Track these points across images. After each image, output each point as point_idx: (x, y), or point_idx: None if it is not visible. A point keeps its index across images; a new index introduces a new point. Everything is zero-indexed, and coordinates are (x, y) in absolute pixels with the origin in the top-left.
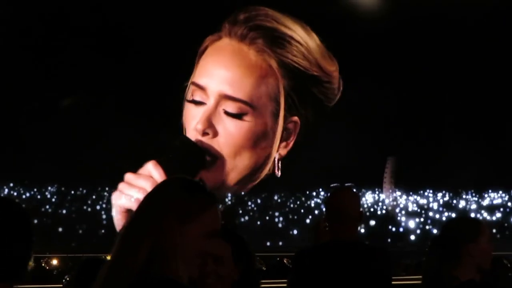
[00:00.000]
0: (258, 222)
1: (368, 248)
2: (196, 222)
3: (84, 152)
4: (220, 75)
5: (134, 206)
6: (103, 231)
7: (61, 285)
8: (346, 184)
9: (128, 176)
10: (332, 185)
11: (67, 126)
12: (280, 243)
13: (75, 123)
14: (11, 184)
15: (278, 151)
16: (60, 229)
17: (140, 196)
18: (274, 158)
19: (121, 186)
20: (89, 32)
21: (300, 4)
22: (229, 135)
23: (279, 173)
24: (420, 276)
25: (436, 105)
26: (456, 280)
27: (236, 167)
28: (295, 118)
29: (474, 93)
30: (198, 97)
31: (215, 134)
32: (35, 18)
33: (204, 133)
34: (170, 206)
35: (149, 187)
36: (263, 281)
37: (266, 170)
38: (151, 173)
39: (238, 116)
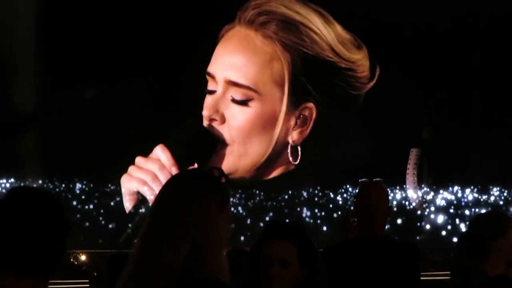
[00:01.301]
0: (287, 220)
1: (397, 244)
2: (225, 212)
3: (110, 148)
4: (226, 61)
5: (141, 189)
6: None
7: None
8: (375, 179)
9: (138, 160)
10: (360, 180)
11: (92, 122)
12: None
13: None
14: (39, 181)
15: (292, 137)
16: (87, 224)
17: (148, 178)
18: (289, 144)
19: (130, 169)
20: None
21: None
22: (236, 122)
23: (297, 161)
24: (448, 272)
25: (462, 97)
26: (485, 275)
27: (247, 153)
28: (310, 104)
29: (501, 85)
30: (210, 86)
31: (223, 120)
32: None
33: (211, 119)
34: (205, 199)
35: (156, 170)
36: None
37: (284, 156)
38: (159, 156)
39: (244, 102)
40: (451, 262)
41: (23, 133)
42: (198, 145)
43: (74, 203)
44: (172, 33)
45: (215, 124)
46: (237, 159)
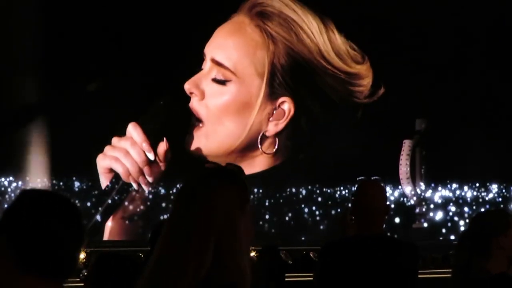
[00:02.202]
0: (287, 218)
1: (395, 242)
2: (246, 212)
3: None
4: (216, 42)
5: (114, 165)
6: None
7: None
8: (373, 177)
9: (113, 140)
10: (358, 178)
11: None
12: (303, 238)
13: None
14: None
15: (266, 127)
16: (84, 222)
17: (120, 155)
18: (263, 133)
19: (105, 149)
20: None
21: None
22: (213, 101)
23: (273, 151)
24: (448, 270)
25: (460, 93)
26: (487, 273)
27: (218, 132)
28: (288, 98)
29: (498, 81)
30: (203, 64)
31: (202, 96)
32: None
33: (191, 93)
34: (225, 199)
35: (128, 146)
36: (289, 274)
37: (256, 145)
38: (131, 134)
39: (222, 82)
40: (452, 260)
41: (20, 130)
42: (170, 120)
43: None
44: (172, 24)
45: (195, 100)
46: (206, 139)
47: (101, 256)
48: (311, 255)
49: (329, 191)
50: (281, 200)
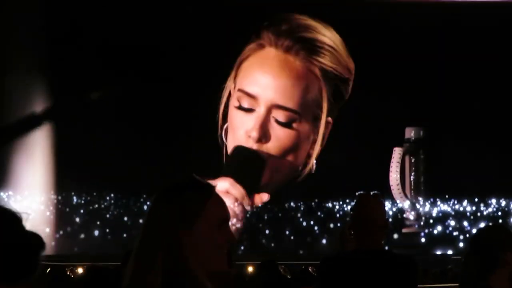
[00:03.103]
0: (287, 232)
1: (395, 257)
2: (198, 228)
3: (106, 159)
4: (271, 85)
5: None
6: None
7: None
8: (372, 192)
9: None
10: (357, 192)
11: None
12: (301, 252)
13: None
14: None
15: (315, 151)
16: (82, 236)
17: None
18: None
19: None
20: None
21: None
22: (278, 141)
23: (313, 169)
24: (446, 284)
25: (452, 106)
26: None
27: (282, 167)
28: (329, 119)
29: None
30: (246, 104)
31: (267, 141)
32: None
33: (258, 140)
34: (171, 214)
35: (231, 203)
36: None
37: (308, 168)
38: (231, 191)
39: (287, 124)
40: (459, 276)
41: (18, 145)
42: (251, 167)
43: (73, 215)
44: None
45: (259, 144)
46: (273, 172)
47: (90, 270)
48: (310, 269)
49: (328, 205)
50: (279, 214)
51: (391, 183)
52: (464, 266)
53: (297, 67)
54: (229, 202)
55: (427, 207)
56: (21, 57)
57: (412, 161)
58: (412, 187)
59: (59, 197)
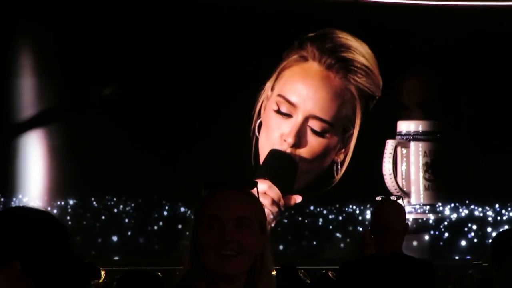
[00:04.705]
0: (307, 236)
1: (414, 261)
2: (199, 218)
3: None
4: (311, 97)
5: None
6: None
7: None
8: (392, 197)
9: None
10: (377, 197)
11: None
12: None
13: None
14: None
15: (339, 157)
16: (99, 240)
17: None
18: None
19: None
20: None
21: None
22: (311, 148)
23: (337, 177)
24: None
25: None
26: None
27: (311, 171)
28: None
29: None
30: (285, 109)
31: (301, 146)
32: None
33: (293, 145)
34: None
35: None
36: None
37: (339, 177)
38: (268, 192)
39: (321, 133)
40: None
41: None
42: (286, 170)
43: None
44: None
45: (293, 148)
46: (301, 175)
47: (124, 275)
48: (329, 274)
49: (348, 209)
50: (299, 219)
51: (384, 172)
52: (498, 271)
53: (336, 84)
54: (266, 203)
55: (418, 194)
56: (26, 61)
57: (403, 152)
58: (403, 177)
59: (60, 202)
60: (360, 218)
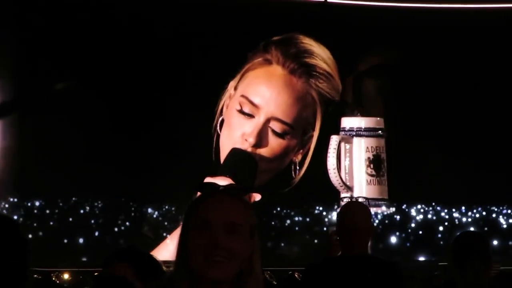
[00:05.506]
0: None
1: (380, 263)
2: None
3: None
4: (274, 100)
5: None
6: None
7: None
8: (358, 198)
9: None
10: (342, 197)
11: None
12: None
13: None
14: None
15: (297, 157)
16: (65, 241)
17: None
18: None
19: None
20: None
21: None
22: (271, 149)
23: (296, 177)
24: None
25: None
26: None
27: (269, 170)
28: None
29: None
30: (247, 109)
31: (261, 146)
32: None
33: (254, 145)
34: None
35: None
36: None
37: (298, 178)
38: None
39: (281, 135)
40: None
41: None
42: (247, 169)
43: (52, 222)
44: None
45: (254, 148)
46: (260, 173)
47: (98, 278)
48: (295, 275)
49: (314, 211)
50: (264, 219)
51: (328, 167)
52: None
53: (299, 88)
54: None
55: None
56: None
57: (347, 147)
58: (347, 171)
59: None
60: (325, 219)
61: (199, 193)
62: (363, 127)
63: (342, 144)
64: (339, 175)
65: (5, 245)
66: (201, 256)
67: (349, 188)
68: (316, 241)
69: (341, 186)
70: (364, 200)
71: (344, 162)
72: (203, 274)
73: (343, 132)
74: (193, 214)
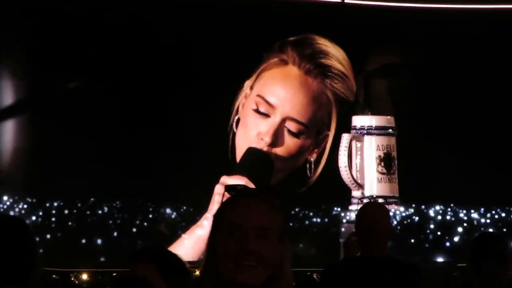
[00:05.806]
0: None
1: (398, 264)
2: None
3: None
4: (290, 100)
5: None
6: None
7: None
8: (376, 199)
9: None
10: (362, 199)
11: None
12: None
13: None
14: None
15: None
16: (83, 242)
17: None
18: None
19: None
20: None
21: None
22: (286, 148)
23: (313, 176)
24: None
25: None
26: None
27: (284, 169)
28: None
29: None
30: (263, 109)
31: (277, 146)
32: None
33: (269, 145)
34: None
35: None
36: None
37: (314, 178)
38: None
39: (297, 134)
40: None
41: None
42: (263, 168)
43: (70, 223)
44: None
45: (269, 147)
46: (276, 172)
47: (117, 277)
48: (314, 276)
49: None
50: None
51: (339, 165)
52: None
53: (314, 88)
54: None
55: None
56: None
57: (358, 146)
58: (358, 169)
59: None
60: (343, 220)
61: (227, 195)
62: (373, 126)
63: (353, 142)
64: (350, 173)
65: (5, 245)
66: (232, 260)
67: (360, 186)
68: (334, 241)
69: (352, 184)
70: (383, 200)
71: (355, 160)
72: (233, 278)
73: (354, 131)
74: (223, 218)
